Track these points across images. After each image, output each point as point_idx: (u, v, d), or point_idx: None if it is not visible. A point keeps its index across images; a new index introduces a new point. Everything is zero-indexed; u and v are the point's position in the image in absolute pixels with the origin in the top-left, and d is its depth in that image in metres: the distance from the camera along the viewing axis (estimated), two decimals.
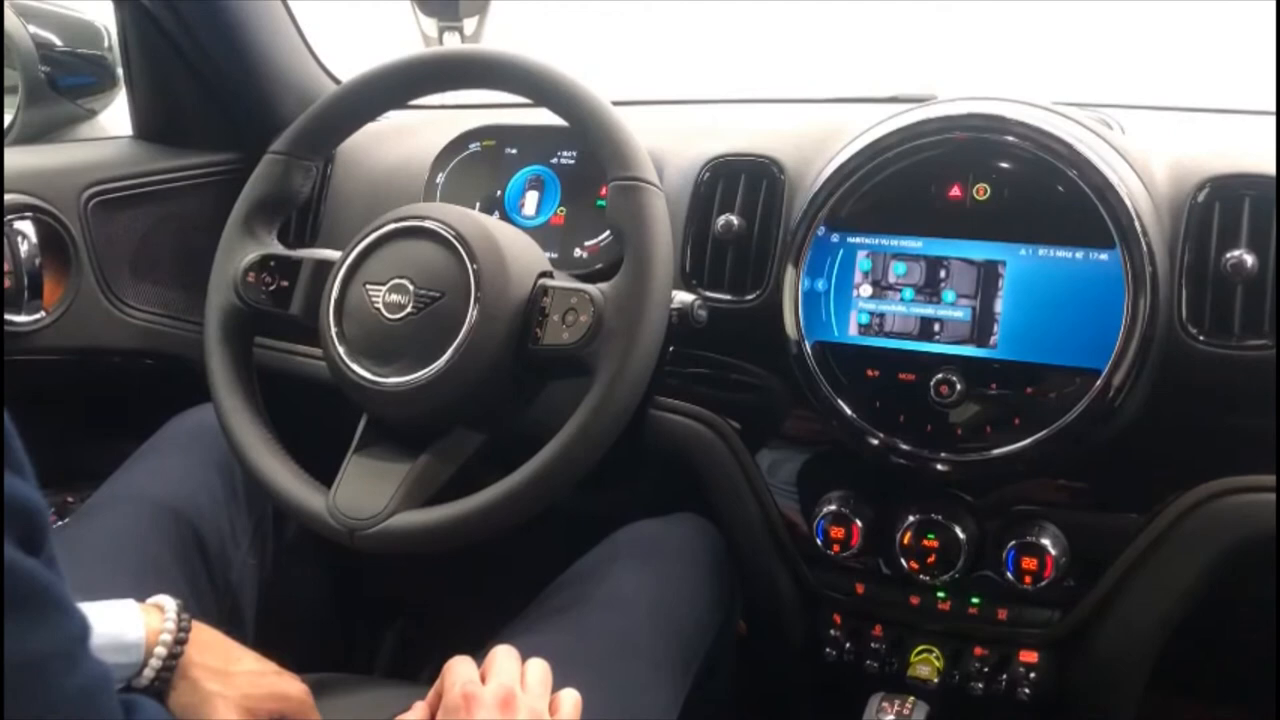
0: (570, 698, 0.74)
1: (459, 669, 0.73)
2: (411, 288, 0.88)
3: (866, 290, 0.94)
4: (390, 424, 0.92)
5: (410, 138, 1.24)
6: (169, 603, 0.77)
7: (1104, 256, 0.87)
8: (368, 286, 0.90)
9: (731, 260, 1.02)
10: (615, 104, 0.90)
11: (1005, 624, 0.97)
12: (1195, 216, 0.90)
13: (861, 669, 1.01)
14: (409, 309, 0.88)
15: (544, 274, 0.91)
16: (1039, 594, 0.93)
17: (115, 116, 1.39)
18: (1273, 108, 1.04)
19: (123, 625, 0.73)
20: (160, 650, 0.74)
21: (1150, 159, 0.93)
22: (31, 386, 1.08)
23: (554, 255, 1.06)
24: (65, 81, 1.34)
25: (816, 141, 1.02)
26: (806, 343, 0.95)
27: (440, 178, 1.14)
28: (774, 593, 1.05)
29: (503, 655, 0.74)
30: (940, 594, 0.98)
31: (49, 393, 1.21)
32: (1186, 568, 0.92)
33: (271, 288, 0.97)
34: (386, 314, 0.89)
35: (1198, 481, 0.91)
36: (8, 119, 1.32)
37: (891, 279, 0.93)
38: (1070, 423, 0.87)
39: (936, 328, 0.92)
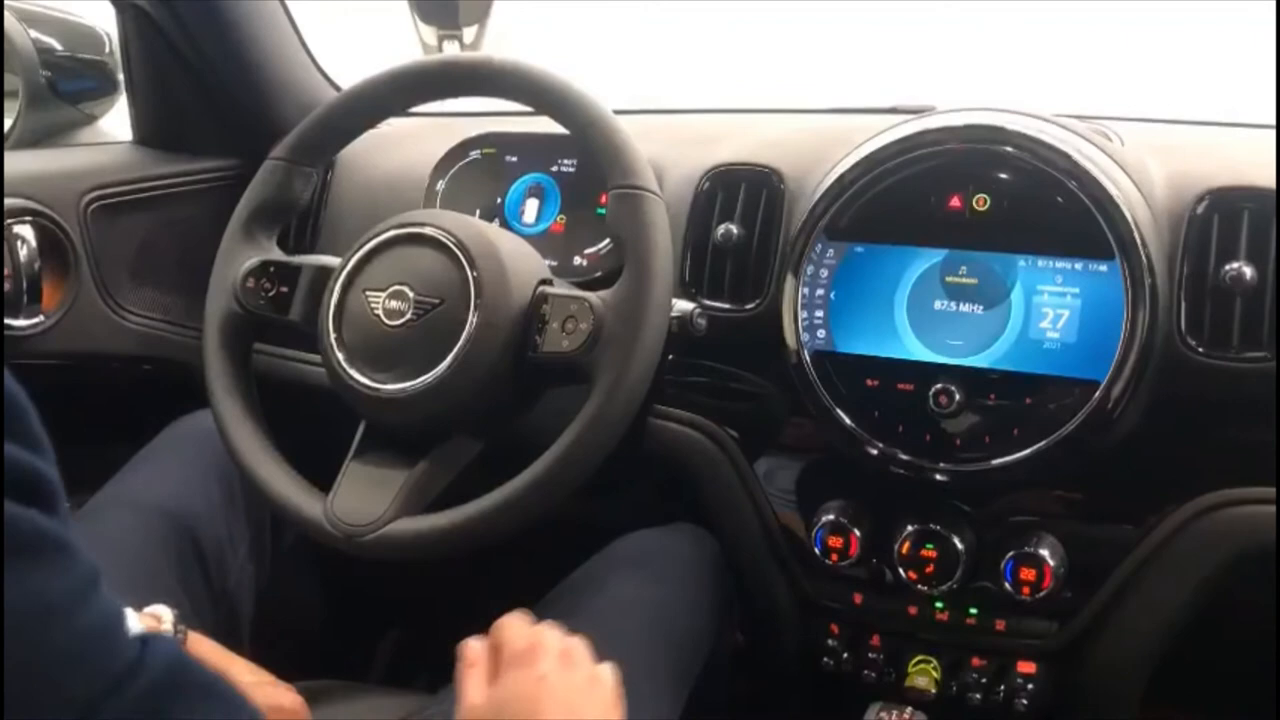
0: (609, 670, 0.72)
1: (518, 623, 0.71)
2: (411, 294, 0.88)
3: (866, 300, 0.94)
4: (389, 430, 0.92)
5: (410, 145, 1.24)
6: (166, 613, 0.77)
7: (1103, 268, 0.87)
8: (367, 293, 0.90)
9: (731, 269, 1.02)
10: (616, 112, 0.91)
11: (1003, 634, 0.97)
12: (1194, 228, 0.90)
13: (859, 679, 1.01)
14: (408, 316, 0.88)
15: (544, 281, 0.91)
16: (1037, 605, 0.93)
17: (116, 122, 1.39)
18: (1270, 121, 1.04)
19: None
20: None
21: (1149, 171, 0.93)
22: (29, 391, 1.07)
23: (554, 263, 1.06)
24: (66, 86, 1.34)
25: (816, 151, 1.02)
26: (806, 352, 0.95)
27: (440, 185, 1.15)
28: (772, 602, 1.05)
29: (547, 626, 0.72)
30: (938, 604, 0.98)
31: (47, 397, 1.21)
32: (1185, 579, 0.92)
33: (271, 293, 0.97)
34: (386, 321, 0.89)
35: (1196, 493, 0.91)
36: (8, 123, 1.32)
37: (891, 289, 0.93)
38: (1069, 433, 0.87)
39: (936, 337, 0.92)
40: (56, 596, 0.39)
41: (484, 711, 0.67)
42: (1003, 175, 0.91)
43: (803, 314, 0.95)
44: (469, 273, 0.87)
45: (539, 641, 0.69)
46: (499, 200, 1.13)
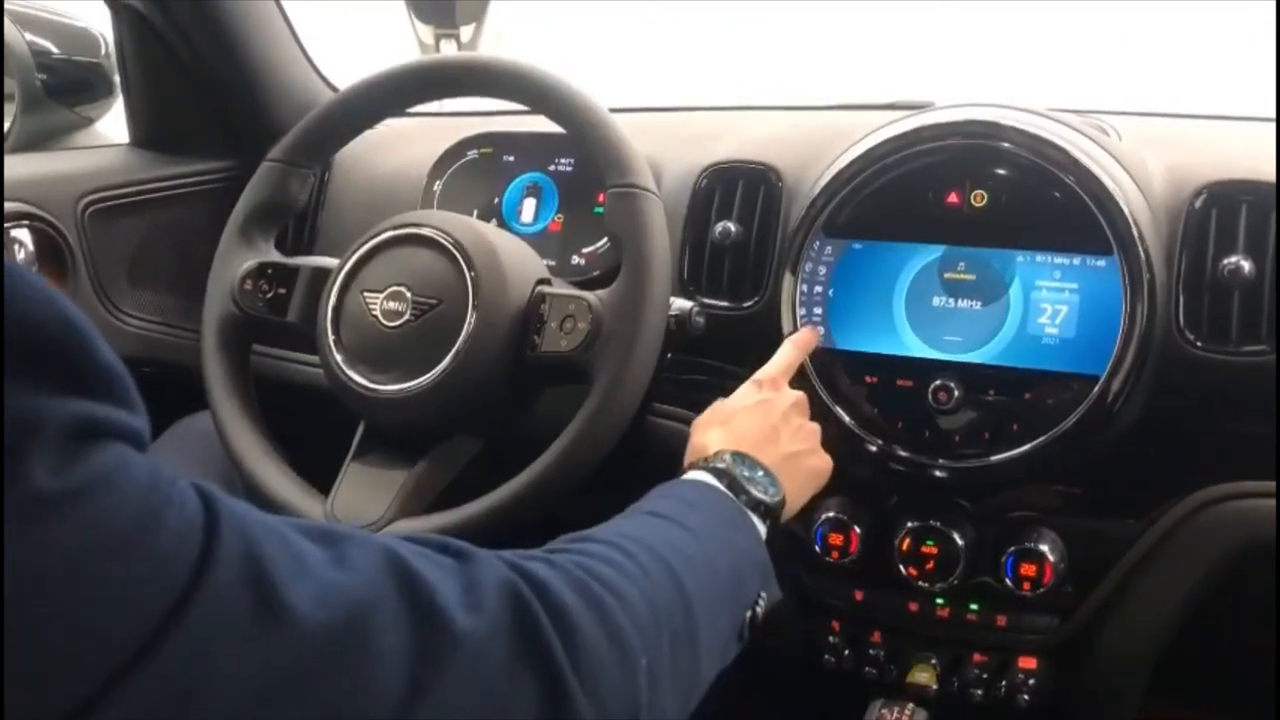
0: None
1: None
2: (409, 295, 0.88)
3: (864, 297, 0.94)
4: (388, 431, 0.92)
5: (408, 145, 1.24)
6: None
7: (1101, 263, 0.87)
8: (365, 294, 0.90)
9: (729, 267, 1.02)
10: (612, 111, 0.91)
11: (1004, 630, 0.97)
12: (1192, 223, 0.90)
13: (860, 676, 1.01)
14: (406, 316, 0.88)
15: (542, 281, 0.91)
16: (1038, 600, 0.93)
17: (112, 124, 1.39)
18: (1269, 114, 1.04)
19: None
20: None
21: (1147, 165, 0.93)
22: None
23: (551, 262, 1.06)
24: (62, 89, 1.34)
25: (814, 148, 1.02)
26: None
27: (438, 185, 1.14)
28: None
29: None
30: (939, 601, 0.98)
31: None
32: (1185, 573, 0.92)
33: (269, 295, 0.97)
34: (384, 322, 0.88)
35: (1196, 487, 0.91)
36: (5, 126, 1.31)
37: (889, 286, 0.93)
38: (1068, 429, 0.87)
39: (934, 334, 0.92)
40: (154, 506, 0.41)
41: (711, 412, 0.84)
42: (1000, 171, 0.91)
43: (801, 311, 0.95)
44: (467, 273, 0.87)
45: (776, 381, 0.87)
46: (496, 200, 1.13)
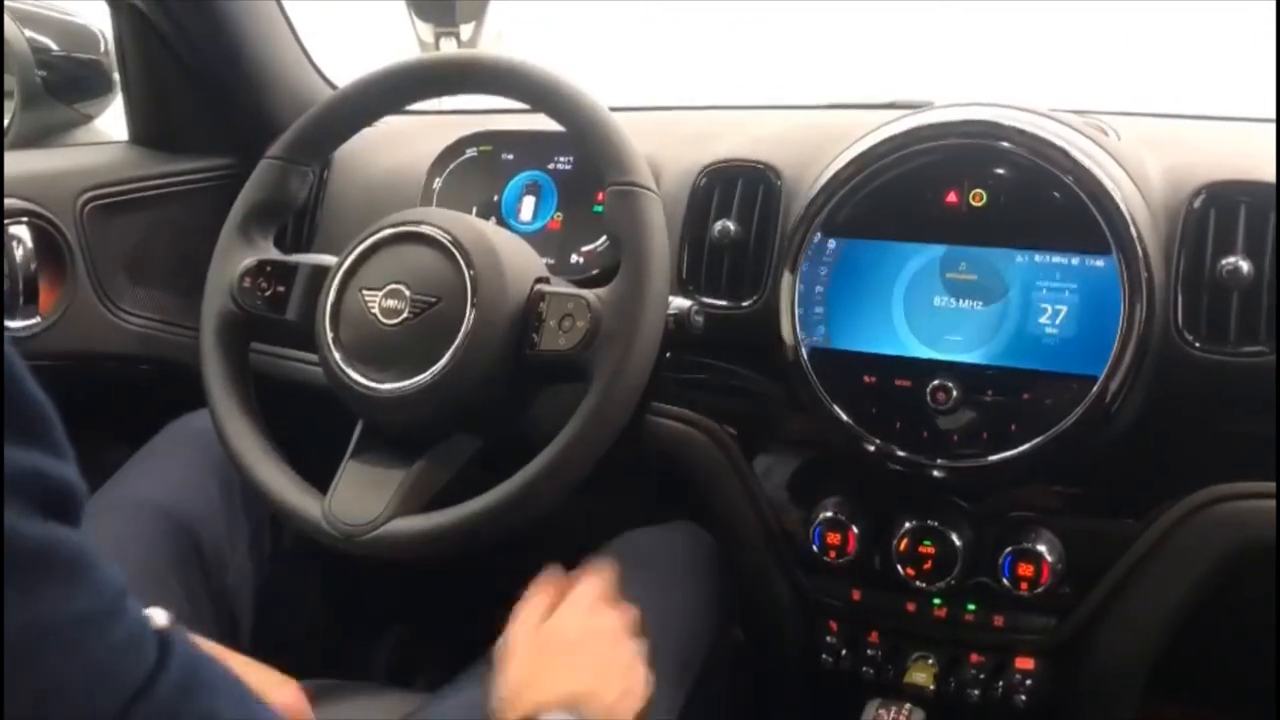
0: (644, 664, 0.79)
1: (593, 578, 0.81)
2: (408, 293, 0.88)
3: (863, 296, 0.94)
4: (386, 430, 0.92)
5: (407, 143, 1.24)
6: (161, 616, 0.77)
7: (1100, 263, 0.87)
8: (364, 292, 0.90)
9: (728, 266, 1.02)
10: (612, 109, 0.91)
11: (1002, 631, 0.97)
12: (1191, 223, 0.90)
13: (858, 676, 1.01)
14: (405, 314, 0.88)
15: (540, 279, 0.91)
16: (1036, 600, 0.93)
17: (112, 121, 1.39)
18: (1268, 114, 1.04)
19: None
20: None
21: (1146, 165, 0.93)
22: None
23: (550, 261, 1.06)
24: (62, 86, 1.34)
25: (813, 147, 1.02)
26: (803, 349, 0.95)
27: (437, 183, 1.14)
28: (770, 600, 1.05)
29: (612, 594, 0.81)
30: (936, 601, 0.98)
31: None
32: (1183, 574, 0.92)
33: (267, 293, 0.97)
34: (383, 319, 0.88)
35: (1194, 488, 0.91)
36: (4, 123, 1.31)
37: (888, 285, 0.93)
38: (1067, 429, 0.87)
39: (933, 334, 0.92)
40: (94, 612, 0.40)
41: (530, 640, 0.75)
42: (999, 170, 0.91)
43: (800, 310, 0.95)
44: (466, 271, 0.87)
45: (603, 599, 0.79)
46: (496, 198, 1.13)
